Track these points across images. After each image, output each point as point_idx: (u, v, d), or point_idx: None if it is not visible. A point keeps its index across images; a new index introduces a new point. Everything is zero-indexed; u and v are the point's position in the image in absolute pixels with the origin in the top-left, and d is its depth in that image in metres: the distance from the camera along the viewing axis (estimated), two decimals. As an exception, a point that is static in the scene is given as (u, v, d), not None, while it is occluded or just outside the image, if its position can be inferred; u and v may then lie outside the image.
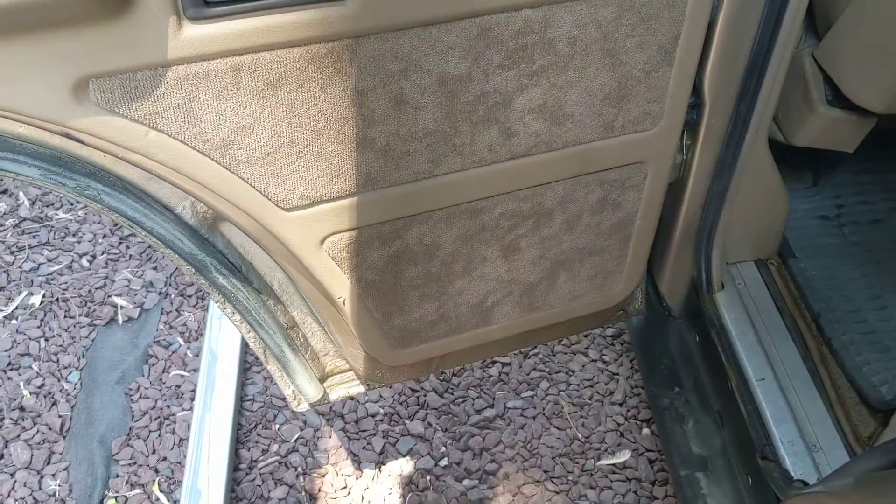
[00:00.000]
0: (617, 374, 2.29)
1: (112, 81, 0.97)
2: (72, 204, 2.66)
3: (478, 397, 2.20)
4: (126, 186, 1.15)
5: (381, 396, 2.18)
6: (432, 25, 1.07)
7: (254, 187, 1.12)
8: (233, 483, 1.99)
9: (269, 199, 1.14)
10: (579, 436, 2.12)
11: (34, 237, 2.55)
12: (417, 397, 2.18)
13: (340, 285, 1.29)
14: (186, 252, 1.23)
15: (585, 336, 2.36)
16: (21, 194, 2.68)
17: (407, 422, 2.13)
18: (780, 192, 1.65)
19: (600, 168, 1.33)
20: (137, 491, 1.98)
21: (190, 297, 2.41)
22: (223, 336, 2.23)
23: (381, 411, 2.15)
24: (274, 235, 1.21)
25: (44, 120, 0.99)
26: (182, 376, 2.21)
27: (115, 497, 1.97)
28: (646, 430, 2.12)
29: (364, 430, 2.12)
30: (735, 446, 1.67)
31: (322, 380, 1.55)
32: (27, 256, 2.49)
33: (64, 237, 2.56)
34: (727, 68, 1.33)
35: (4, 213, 2.62)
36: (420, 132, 1.16)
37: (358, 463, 2.05)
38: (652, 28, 1.20)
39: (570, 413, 2.18)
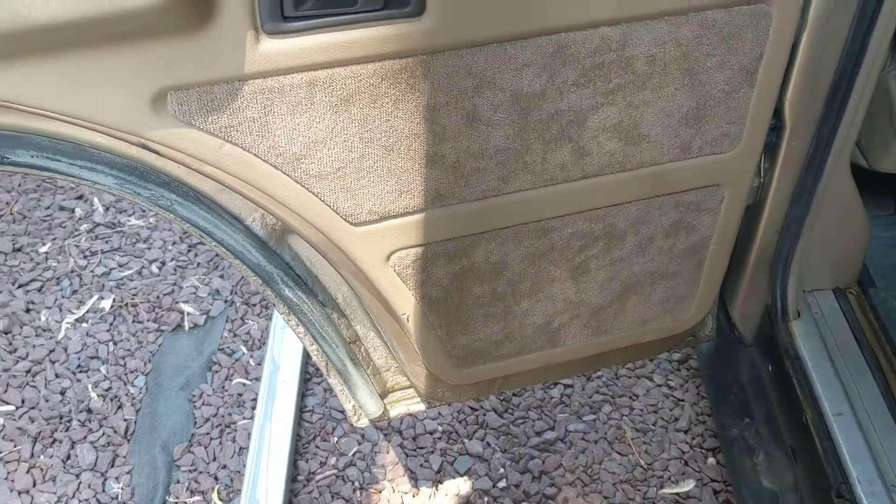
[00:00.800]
0: (682, 400, 2.22)
1: (190, 94, 0.98)
2: (143, 210, 2.72)
3: (538, 419, 2.16)
4: (198, 197, 1.17)
5: (439, 414, 2.16)
6: (508, 42, 1.05)
7: (323, 201, 1.12)
8: (291, 495, 1.99)
9: (338, 214, 1.14)
10: (642, 462, 2.06)
11: (107, 242, 2.62)
12: (477, 416, 2.16)
13: (405, 301, 1.28)
14: (254, 263, 1.24)
15: (650, 360, 2.30)
16: (96, 200, 2.75)
17: (466, 441, 2.10)
18: (861, 219, 1.58)
19: (675, 190, 1.29)
20: (197, 498, 2.00)
21: (254, 305, 2.44)
22: (285, 346, 2.24)
23: (440, 429, 2.13)
24: (341, 249, 1.20)
25: (122, 131, 1.00)
26: (244, 384, 2.23)
27: (176, 503, 1.99)
28: (711, 460, 2.05)
29: (422, 448, 2.10)
30: (808, 483, 1.60)
31: (382, 395, 1.54)
32: (99, 261, 2.55)
33: (135, 243, 2.62)
34: (810, 90, 1.28)
35: (80, 219, 2.69)
36: (491, 149, 1.14)
37: (415, 480, 2.03)
38: (733, 47, 1.16)
39: (632, 439, 2.13)
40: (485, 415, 2.15)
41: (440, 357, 1.39)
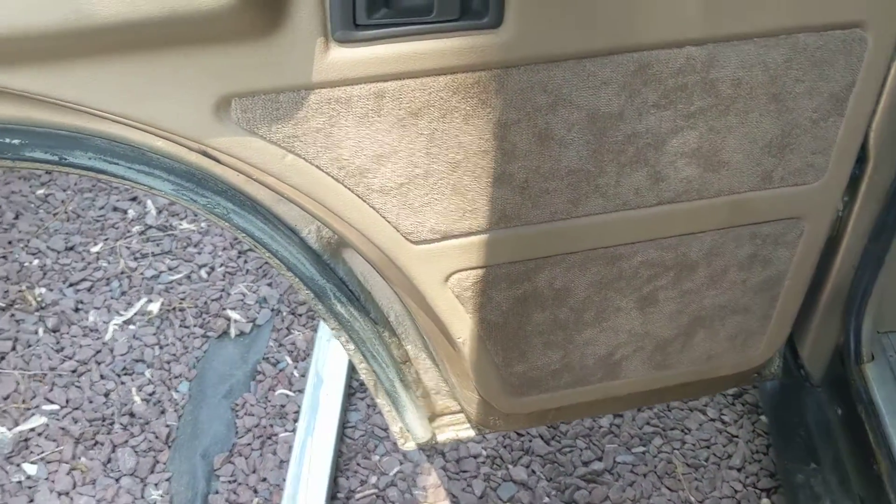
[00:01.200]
0: (736, 436, 2.13)
1: (254, 101, 0.94)
2: (195, 215, 2.72)
3: (586, 448, 2.09)
4: (255, 207, 1.13)
5: (484, 437, 2.09)
6: (587, 59, 1.00)
7: (384, 217, 1.07)
8: (329, 512, 1.95)
9: (399, 231, 1.09)
10: (692, 500, 1.98)
11: (158, 245, 2.61)
12: (522, 442, 2.09)
13: (462, 325, 1.23)
14: (307, 277, 1.20)
15: (706, 394, 2.21)
16: (149, 202, 2.76)
17: (510, 467, 2.04)
18: None
19: (753, 221, 1.22)
20: (235, 509, 1.97)
21: (300, 315, 2.41)
22: (330, 359, 2.20)
23: (484, 453, 2.07)
24: (399, 268, 1.16)
25: (183, 136, 0.97)
26: (287, 396, 2.19)
27: (213, 513, 1.96)
28: (765, 501, 1.96)
29: (465, 471, 2.04)
30: (877, 537, 1.50)
31: (431, 419, 1.48)
32: (150, 263, 2.55)
33: (186, 247, 2.61)
34: None
35: (132, 220, 2.70)
36: (563, 170, 1.08)
37: (457, 505, 1.97)
38: (824, 74, 1.09)
39: (683, 474, 2.05)
40: (531, 441, 2.09)
41: (495, 384, 1.33)
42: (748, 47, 1.04)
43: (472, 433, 1.52)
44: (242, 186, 1.11)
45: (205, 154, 1.01)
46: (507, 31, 0.95)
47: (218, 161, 1.02)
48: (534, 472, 2.03)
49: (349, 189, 1.03)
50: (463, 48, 0.95)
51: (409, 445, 1.50)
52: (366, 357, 1.33)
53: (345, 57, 0.93)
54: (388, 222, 1.08)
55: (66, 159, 1.00)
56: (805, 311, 1.54)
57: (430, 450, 2.08)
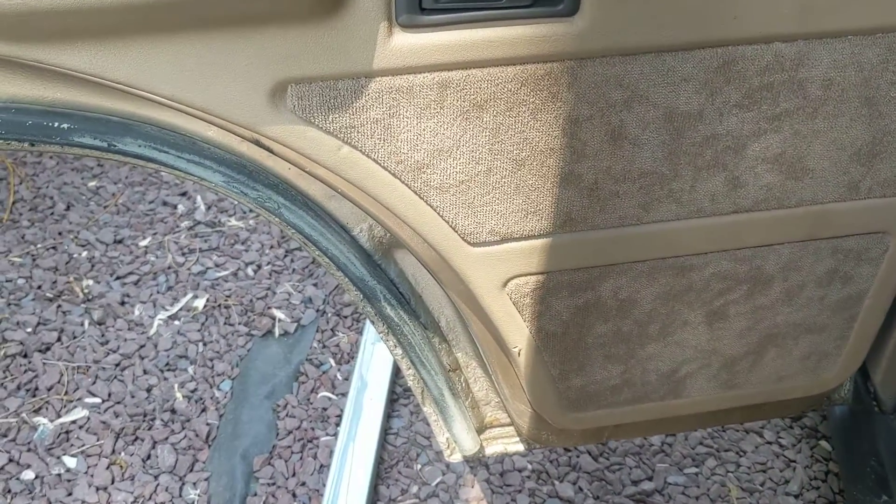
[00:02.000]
0: (794, 461, 2.03)
1: (312, 88, 0.89)
2: (244, 211, 2.69)
3: (636, 466, 2.00)
4: (307, 202, 1.08)
5: (530, 451, 2.02)
6: (667, 52, 0.93)
7: (441, 216, 1.01)
8: (369, 521, 1.89)
9: (456, 231, 1.03)
10: (748, 527, 1.88)
11: (205, 241, 2.59)
12: (570, 458, 2.01)
13: (518, 334, 1.16)
14: (357, 277, 1.14)
15: (765, 416, 2.11)
16: (199, 198, 2.74)
17: (556, 483, 1.96)
18: None
19: (835, 234, 1.14)
20: (273, 513, 1.92)
21: (346, 317, 2.36)
22: (375, 363, 2.15)
23: (529, 467, 2.00)
24: (454, 270, 1.09)
25: (236, 123, 0.92)
26: (329, 399, 2.14)
27: (251, 516, 1.92)
28: (826, 532, 1.85)
29: (509, 485, 1.97)
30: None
31: (479, 431, 1.42)
32: (197, 259, 2.53)
33: (233, 244, 2.59)
34: None
35: (181, 215, 2.68)
36: (635, 172, 1.01)
37: (501, 520, 1.90)
38: None
39: (737, 498, 1.95)
40: (578, 457, 2.01)
41: (550, 398, 1.26)
42: (841, 45, 0.96)
43: (521, 447, 1.46)
44: (294, 181, 1.07)
45: (257, 143, 0.97)
46: (583, 20, 0.88)
47: (271, 151, 0.97)
48: (581, 489, 1.95)
49: (406, 185, 0.98)
50: (534, 37, 0.89)
51: (456, 457, 1.44)
52: (414, 363, 1.27)
53: (408, 43, 0.88)
54: (446, 222, 1.02)
55: (115, 146, 0.96)
56: (882, 332, 1.45)
57: (475, 462, 2.01)
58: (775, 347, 1.26)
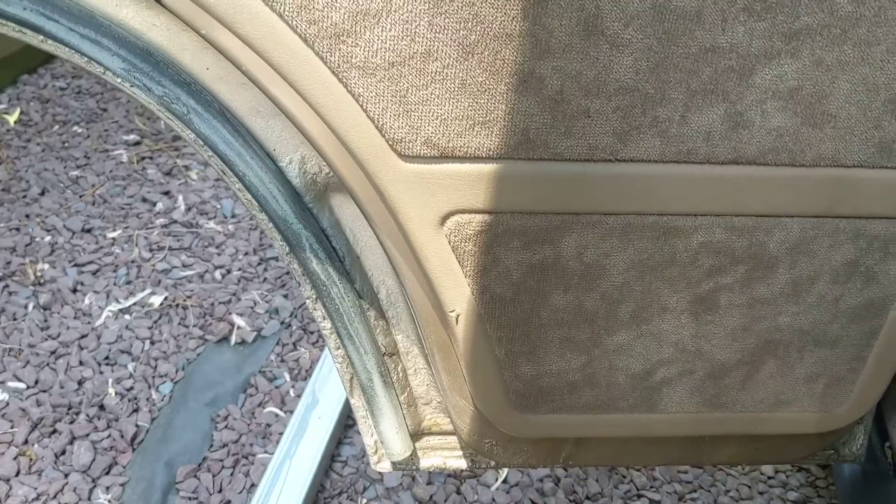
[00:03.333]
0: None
1: None
2: (225, 216, 2.52)
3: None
4: (224, 112, 0.90)
5: (493, 500, 1.76)
6: None
7: (364, 110, 0.82)
8: (293, 552, 1.63)
9: (383, 135, 0.83)
10: None
11: (178, 240, 2.41)
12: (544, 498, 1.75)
13: (457, 291, 0.94)
14: (280, 217, 0.95)
15: (763, 481, 1.83)
16: (181, 198, 2.58)
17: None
18: None
19: (859, 213, 0.92)
20: (187, 531, 1.67)
21: (312, 333, 2.14)
22: (332, 380, 1.92)
23: (490, 516, 1.74)
24: (382, 194, 0.88)
25: None
26: (276, 415, 1.91)
27: (162, 531, 1.67)
28: None
29: (463, 534, 1.71)
30: None
31: (415, 435, 1.18)
32: (164, 257, 2.35)
33: (207, 246, 2.40)
34: None
35: (159, 213, 2.52)
36: (611, 84, 0.82)
37: (445, 571, 1.63)
38: None
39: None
40: (555, 494, 1.75)
41: (492, 386, 1.02)
42: None
43: (463, 464, 1.21)
44: (212, 84, 0.89)
45: None
46: None
47: (162, 4, 0.80)
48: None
49: (320, 57, 0.79)
50: None
51: (384, 465, 1.20)
52: (342, 338, 1.06)
53: None
54: (370, 119, 0.82)
55: None
56: None
57: (428, 502, 1.75)
58: (775, 359, 1.02)
